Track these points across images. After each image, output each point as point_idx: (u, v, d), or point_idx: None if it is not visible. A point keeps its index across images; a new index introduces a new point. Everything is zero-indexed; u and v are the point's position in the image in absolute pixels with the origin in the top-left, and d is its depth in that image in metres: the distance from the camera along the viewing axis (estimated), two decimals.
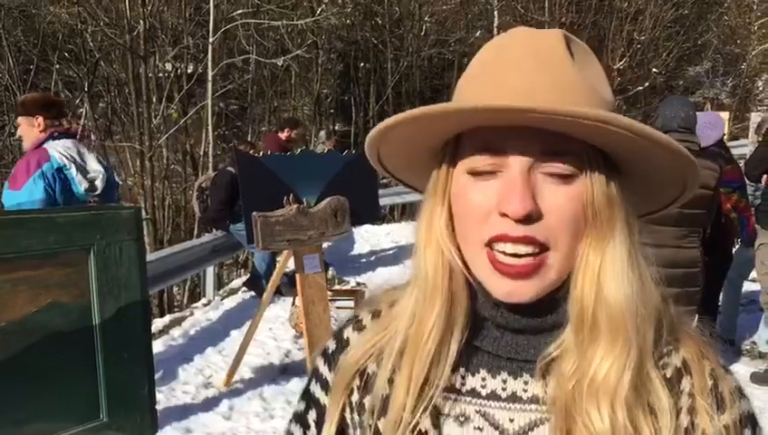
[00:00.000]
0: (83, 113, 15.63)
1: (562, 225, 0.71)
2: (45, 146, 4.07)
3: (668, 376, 0.76)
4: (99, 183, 4.21)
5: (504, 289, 0.73)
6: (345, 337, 0.89)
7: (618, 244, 0.73)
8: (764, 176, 4.90)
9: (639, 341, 0.72)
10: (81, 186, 4.09)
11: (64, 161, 4.03)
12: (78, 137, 4.29)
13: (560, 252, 0.72)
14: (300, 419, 0.90)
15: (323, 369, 0.89)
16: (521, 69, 0.72)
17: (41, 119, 4.11)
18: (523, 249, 0.71)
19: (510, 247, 0.71)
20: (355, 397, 0.84)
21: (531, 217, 0.70)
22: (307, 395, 0.91)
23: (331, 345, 0.89)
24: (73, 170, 4.05)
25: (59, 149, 4.06)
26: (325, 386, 0.88)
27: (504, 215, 0.71)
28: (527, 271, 0.71)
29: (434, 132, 0.77)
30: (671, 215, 3.62)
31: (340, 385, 0.84)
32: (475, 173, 0.74)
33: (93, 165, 4.22)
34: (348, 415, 0.84)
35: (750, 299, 6.26)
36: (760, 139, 5.96)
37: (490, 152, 0.72)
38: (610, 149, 0.73)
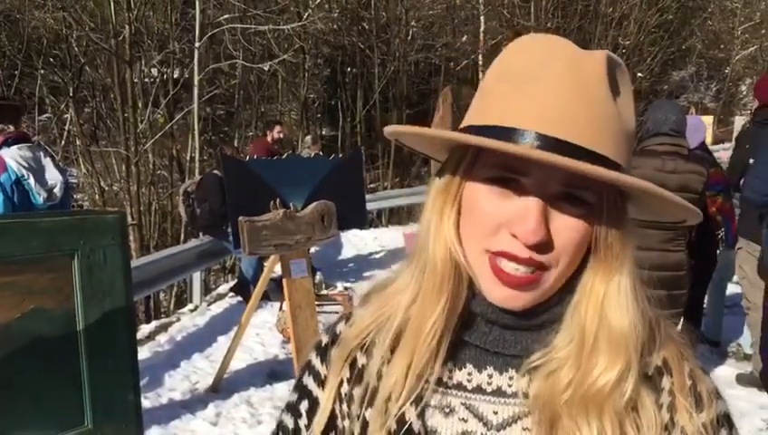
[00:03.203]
0: (69, 118, 15.57)
1: (567, 252, 0.74)
2: (1, 154, 3.91)
3: (649, 374, 0.78)
4: (57, 191, 4.09)
5: (500, 295, 0.75)
6: (338, 331, 0.91)
7: (624, 276, 0.76)
8: (742, 180, 4.95)
9: (636, 359, 0.76)
10: (39, 196, 3.96)
11: (23, 171, 3.90)
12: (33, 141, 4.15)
13: (557, 271, 0.75)
14: (291, 408, 0.93)
15: (315, 361, 0.92)
16: (558, 92, 0.71)
17: None
18: (524, 269, 0.74)
19: (513, 264, 0.74)
20: (345, 388, 0.87)
21: (540, 245, 0.72)
22: (299, 386, 0.93)
23: (325, 339, 0.92)
24: (32, 181, 3.93)
25: (16, 159, 3.91)
26: (317, 378, 0.90)
27: (515, 236, 0.73)
28: (525, 283, 0.74)
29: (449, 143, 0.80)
30: None
31: (333, 375, 0.87)
32: (492, 185, 0.75)
33: (52, 173, 4.09)
34: (337, 406, 0.87)
35: (734, 301, 6.30)
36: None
37: (511, 172, 0.73)
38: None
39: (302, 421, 0.91)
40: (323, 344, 0.92)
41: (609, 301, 0.75)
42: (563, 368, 0.75)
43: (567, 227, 0.73)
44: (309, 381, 0.92)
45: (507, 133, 0.71)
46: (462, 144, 0.77)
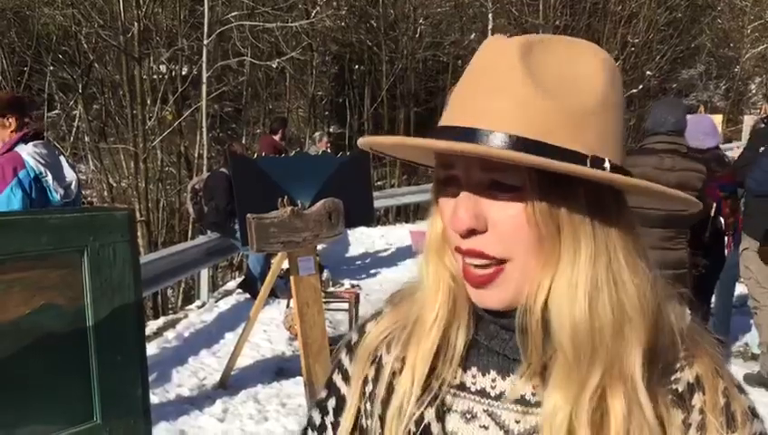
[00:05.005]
0: (77, 115, 15.62)
1: (509, 238, 0.72)
2: (18, 150, 3.91)
3: (680, 391, 0.75)
4: (74, 187, 4.11)
5: (474, 295, 0.77)
6: (367, 330, 0.91)
7: (567, 263, 0.72)
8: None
9: (606, 362, 0.71)
10: (57, 194, 3.96)
11: (41, 169, 3.90)
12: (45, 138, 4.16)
13: (517, 263, 0.73)
14: (320, 405, 0.94)
15: (345, 360, 0.93)
16: (477, 91, 0.74)
17: (12, 119, 3.94)
18: (477, 261, 0.74)
19: (467, 258, 0.75)
20: (369, 387, 0.87)
21: (475, 232, 0.73)
22: (329, 383, 0.94)
23: (354, 337, 0.93)
24: (50, 178, 3.93)
25: (33, 156, 3.91)
26: (345, 376, 0.91)
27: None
28: (485, 281, 0.74)
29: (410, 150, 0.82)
30: (658, 217, 3.64)
31: (357, 372, 0.88)
32: (444, 185, 0.77)
33: (67, 171, 4.11)
34: (362, 405, 0.88)
35: (742, 301, 6.29)
36: None
37: (446, 168, 0.76)
38: None
39: (329, 418, 0.92)
40: (353, 343, 0.92)
41: (556, 291, 0.72)
42: (528, 374, 0.76)
43: (498, 214, 0.72)
44: (338, 378, 0.93)
45: (441, 132, 0.75)
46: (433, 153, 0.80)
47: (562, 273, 0.72)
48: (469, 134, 0.71)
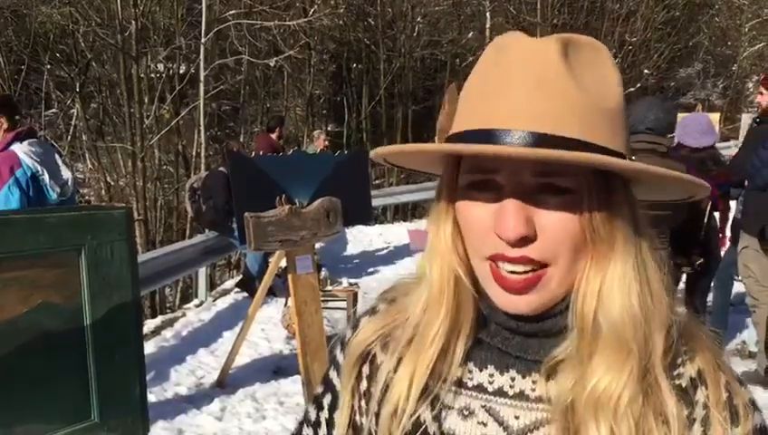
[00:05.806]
0: (75, 114, 15.60)
1: (559, 243, 0.72)
2: (14, 149, 3.91)
3: (683, 386, 0.76)
4: (70, 185, 4.12)
5: (505, 302, 0.74)
6: (361, 326, 0.90)
7: (619, 260, 0.73)
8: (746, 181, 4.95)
9: (644, 354, 0.73)
10: (53, 192, 3.97)
11: (37, 167, 3.90)
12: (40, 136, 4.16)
13: (559, 267, 0.73)
14: (316, 400, 0.94)
15: (339, 356, 0.92)
16: (516, 89, 0.71)
17: (4, 118, 3.95)
18: (521, 268, 0.72)
19: (509, 265, 0.73)
20: (363, 385, 0.86)
21: (526, 239, 0.71)
22: (325, 379, 0.93)
23: (348, 333, 0.92)
24: (47, 177, 3.93)
25: (30, 154, 3.91)
26: (340, 371, 0.90)
27: (500, 236, 0.72)
28: (525, 286, 0.73)
29: (430, 155, 0.80)
30: (646, 216, 3.63)
31: (348, 368, 0.87)
32: (473, 190, 0.75)
33: (63, 169, 4.11)
34: (356, 402, 0.86)
35: (739, 299, 6.30)
36: None
37: (484, 173, 0.73)
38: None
39: (324, 414, 0.92)
40: (347, 338, 0.91)
41: (607, 288, 0.73)
42: (568, 368, 0.74)
43: (550, 218, 0.71)
44: (333, 374, 0.92)
45: (475, 136, 0.72)
46: (445, 156, 0.78)
47: (614, 270, 0.73)
48: (526, 138, 0.69)
